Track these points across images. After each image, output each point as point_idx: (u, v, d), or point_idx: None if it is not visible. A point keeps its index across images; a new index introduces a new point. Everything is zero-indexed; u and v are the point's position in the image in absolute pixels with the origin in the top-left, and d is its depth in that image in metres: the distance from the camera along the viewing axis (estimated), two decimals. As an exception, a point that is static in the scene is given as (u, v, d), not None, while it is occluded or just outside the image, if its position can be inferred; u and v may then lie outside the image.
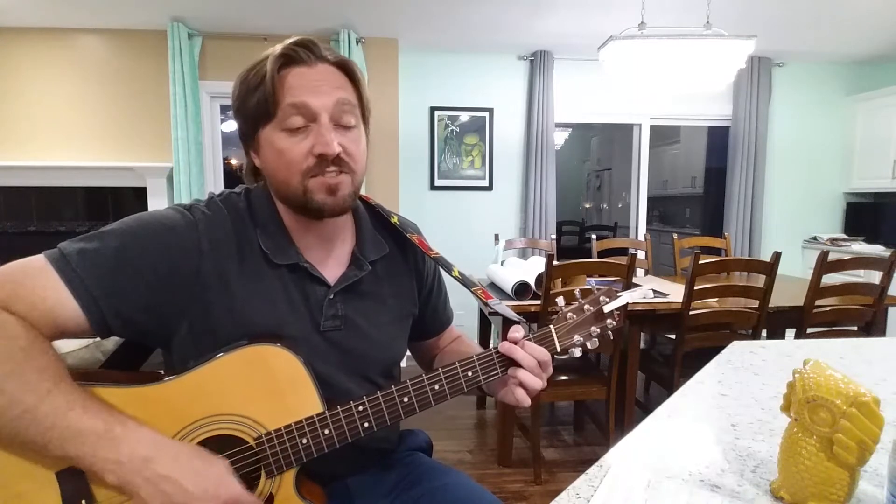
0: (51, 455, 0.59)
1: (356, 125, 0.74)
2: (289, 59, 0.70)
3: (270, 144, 0.72)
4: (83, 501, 0.62)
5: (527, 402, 0.74)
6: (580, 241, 6.26)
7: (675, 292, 2.30)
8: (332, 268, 0.80)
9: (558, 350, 0.76)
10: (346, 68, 0.75)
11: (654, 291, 2.34)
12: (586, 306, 0.78)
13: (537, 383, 0.73)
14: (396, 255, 0.87)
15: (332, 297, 0.77)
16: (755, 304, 2.13)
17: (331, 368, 0.76)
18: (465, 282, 0.88)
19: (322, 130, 0.70)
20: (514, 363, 0.73)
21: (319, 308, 0.77)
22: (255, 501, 0.64)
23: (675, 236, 3.20)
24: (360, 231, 0.84)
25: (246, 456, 0.68)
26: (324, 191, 0.72)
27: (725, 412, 0.79)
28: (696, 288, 2.04)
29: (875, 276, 2.28)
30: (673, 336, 2.30)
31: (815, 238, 3.95)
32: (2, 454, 0.61)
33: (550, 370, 0.76)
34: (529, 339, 0.75)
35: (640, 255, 3.16)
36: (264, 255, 0.75)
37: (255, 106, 0.70)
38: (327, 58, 0.73)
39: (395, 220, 0.87)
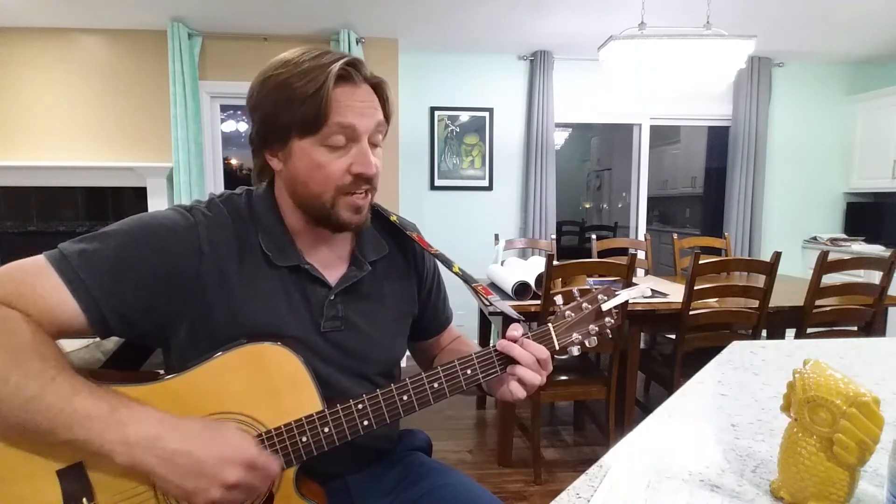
0: (59, 440, 0.59)
1: (381, 144, 0.78)
2: (340, 79, 0.71)
3: (308, 157, 0.72)
4: (84, 499, 0.62)
5: (522, 394, 0.74)
6: (580, 241, 6.26)
7: (675, 292, 2.30)
8: (333, 268, 0.80)
9: (557, 348, 0.76)
10: (380, 90, 0.77)
11: (654, 291, 2.34)
12: (584, 304, 0.78)
13: (536, 378, 0.74)
14: (396, 256, 0.87)
15: (332, 297, 0.78)
16: (755, 304, 2.13)
17: (331, 369, 0.76)
18: (465, 278, 0.88)
19: (364, 151, 0.72)
20: (513, 361, 0.73)
21: (320, 309, 0.77)
22: (270, 457, 0.64)
23: (675, 236, 3.20)
24: (360, 232, 0.84)
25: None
26: (351, 209, 0.74)
27: (725, 412, 0.79)
28: (696, 288, 2.04)
29: (875, 276, 2.28)
30: (673, 336, 2.30)
31: (815, 238, 3.95)
32: (3, 453, 0.61)
33: (550, 368, 0.76)
34: (528, 338, 0.75)
35: (640, 255, 3.16)
36: (265, 256, 0.75)
37: (300, 117, 0.69)
38: (369, 79, 0.75)
39: (394, 218, 0.87)
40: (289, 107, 0.70)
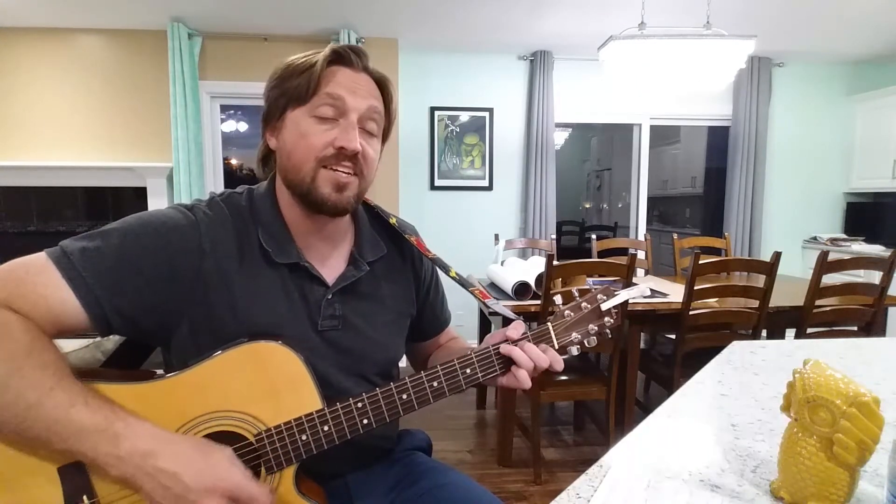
0: (54, 450, 0.59)
1: (377, 136, 0.78)
2: (339, 57, 0.75)
3: (296, 126, 0.74)
4: (84, 497, 0.62)
5: (528, 383, 0.74)
6: (580, 241, 6.26)
7: (675, 292, 2.30)
8: (331, 268, 0.81)
9: (556, 347, 0.76)
10: (383, 86, 0.79)
11: (653, 291, 2.34)
12: (584, 304, 0.78)
13: (530, 378, 0.74)
14: (394, 256, 0.88)
15: (329, 297, 0.78)
16: (755, 304, 2.13)
17: (329, 368, 0.76)
18: (462, 282, 0.88)
19: (348, 127, 0.73)
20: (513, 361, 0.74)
21: (318, 308, 0.77)
22: (258, 489, 0.63)
23: (675, 236, 3.20)
24: (358, 232, 0.85)
25: (246, 452, 0.68)
26: (331, 185, 0.74)
27: (725, 412, 0.79)
28: (696, 288, 2.04)
29: (875, 276, 2.28)
30: (673, 336, 2.30)
31: (815, 238, 3.95)
32: (4, 451, 0.61)
33: (544, 367, 0.75)
34: (528, 337, 0.75)
35: (640, 255, 3.16)
36: (265, 253, 0.75)
37: (295, 87, 0.73)
38: (371, 70, 0.78)
39: (393, 221, 0.88)
40: (287, 80, 0.74)
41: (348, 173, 0.74)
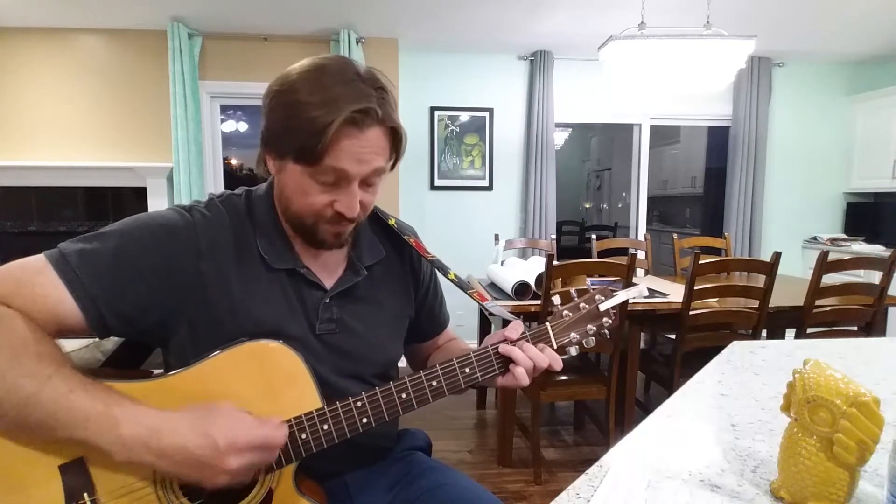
0: (58, 439, 0.59)
1: (378, 183, 0.75)
2: (353, 121, 0.67)
3: (297, 180, 0.71)
4: (85, 494, 0.62)
5: (526, 380, 0.73)
6: (580, 241, 6.26)
7: (675, 292, 2.30)
8: (329, 272, 0.81)
9: (555, 347, 0.76)
10: (394, 132, 0.73)
11: (653, 291, 2.34)
12: (582, 304, 0.79)
13: (528, 378, 0.74)
14: (393, 259, 0.88)
15: (327, 301, 0.78)
16: (755, 304, 2.13)
17: (327, 370, 0.76)
18: (461, 284, 0.88)
19: (350, 193, 0.71)
20: (512, 361, 0.74)
21: (315, 311, 0.77)
22: (268, 430, 0.63)
23: (675, 236, 3.20)
24: (357, 236, 0.84)
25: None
26: (331, 235, 0.75)
27: (725, 412, 0.79)
28: (696, 288, 2.04)
29: (875, 276, 2.28)
30: (673, 336, 2.30)
31: (815, 238, 3.95)
32: (5, 448, 0.61)
33: (544, 367, 0.75)
34: (526, 337, 0.75)
35: (640, 255, 3.16)
36: (262, 259, 0.75)
37: (299, 144, 0.68)
38: (383, 121, 0.70)
39: (392, 222, 0.87)
40: (291, 132, 0.68)
41: (347, 223, 0.75)
